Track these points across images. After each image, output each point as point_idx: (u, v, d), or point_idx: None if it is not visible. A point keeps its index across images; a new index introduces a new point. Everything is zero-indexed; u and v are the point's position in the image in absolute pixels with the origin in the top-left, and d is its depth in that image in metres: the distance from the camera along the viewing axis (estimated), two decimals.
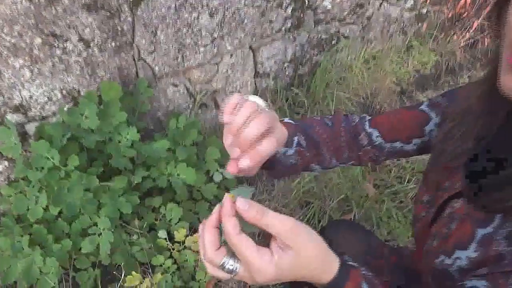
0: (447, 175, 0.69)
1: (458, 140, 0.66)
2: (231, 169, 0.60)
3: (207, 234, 0.55)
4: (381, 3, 2.66)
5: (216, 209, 0.56)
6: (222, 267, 0.54)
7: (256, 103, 0.59)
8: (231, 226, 0.51)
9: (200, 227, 0.57)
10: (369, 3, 2.55)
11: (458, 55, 3.15)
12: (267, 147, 0.57)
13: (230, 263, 0.54)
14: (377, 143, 0.85)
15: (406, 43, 3.03)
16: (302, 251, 0.52)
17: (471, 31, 3.11)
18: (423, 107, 0.83)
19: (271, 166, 0.75)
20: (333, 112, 2.20)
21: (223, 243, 0.55)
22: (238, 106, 0.57)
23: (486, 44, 3.22)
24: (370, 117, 0.88)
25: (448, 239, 0.63)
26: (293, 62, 2.28)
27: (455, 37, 3.16)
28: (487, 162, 0.62)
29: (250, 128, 0.56)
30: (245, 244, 0.51)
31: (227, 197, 0.55)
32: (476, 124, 0.63)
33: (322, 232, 0.99)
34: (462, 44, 3.15)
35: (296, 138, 0.77)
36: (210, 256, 0.54)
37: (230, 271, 0.55)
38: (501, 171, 0.58)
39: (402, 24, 2.95)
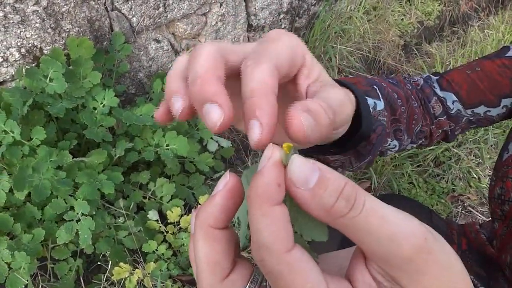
0: None
1: None
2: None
3: (202, 243, 0.25)
4: None
5: (224, 180, 0.25)
6: None
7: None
8: (276, 229, 0.22)
9: (192, 221, 0.26)
10: None
11: (462, 4, 2.92)
12: (260, 75, 0.26)
13: None
14: (454, 110, 0.63)
15: None
16: None
17: None
18: (511, 53, 0.61)
19: (362, 133, 0.44)
20: (337, 69, 1.98)
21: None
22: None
23: None
24: (438, 76, 0.65)
25: None
26: (290, 13, 2.03)
27: None
28: None
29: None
30: (302, 273, 0.22)
31: (273, 151, 0.23)
32: None
33: None
34: None
35: (376, 88, 0.53)
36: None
37: None
38: None
39: None
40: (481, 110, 0.63)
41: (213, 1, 1.63)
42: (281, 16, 2.00)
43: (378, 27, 2.43)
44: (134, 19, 1.41)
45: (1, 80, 1.21)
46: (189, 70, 0.26)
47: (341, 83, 0.46)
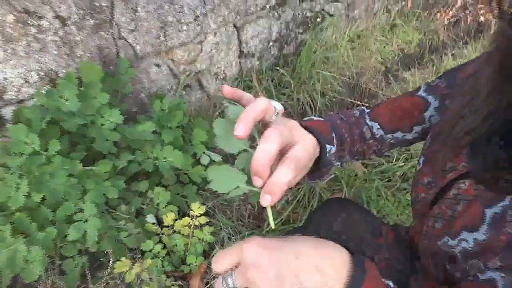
0: (451, 156, 0.67)
1: (466, 120, 0.63)
2: (264, 202, 0.52)
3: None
4: None
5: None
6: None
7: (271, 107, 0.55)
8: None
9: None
10: None
11: (441, 34, 3.15)
12: (281, 179, 0.50)
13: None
14: (378, 135, 0.83)
15: (390, 21, 3.01)
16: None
17: (454, 8, 3.11)
18: (421, 92, 0.81)
19: (318, 167, 0.68)
20: (319, 93, 2.18)
21: None
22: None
23: (468, 22, 3.23)
24: (369, 110, 0.85)
25: (455, 221, 0.61)
26: (278, 41, 2.23)
27: (438, 15, 3.16)
28: (496, 142, 0.59)
29: (255, 157, 0.50)
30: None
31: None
32: (485, 104, 0.59)
33: (314, 214, 0.96)
34: (445, 22, 3.15)
35: (333, 135, 0.73)
36: None
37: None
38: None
39: (386, 2, 2.92)
40: (398, 135, 0.82)
41: (208, 31, 1.83)
42: (271, 43, 2.20)
43: (361, 54, 2.64)
44: (138, 46, 1.61)
45: (22, 99, 1.39)
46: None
47: (312, 128, 0.66)
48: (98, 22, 1.44)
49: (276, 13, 2.11)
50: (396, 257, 0.88)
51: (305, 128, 0.66)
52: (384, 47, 2.88)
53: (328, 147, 0.70)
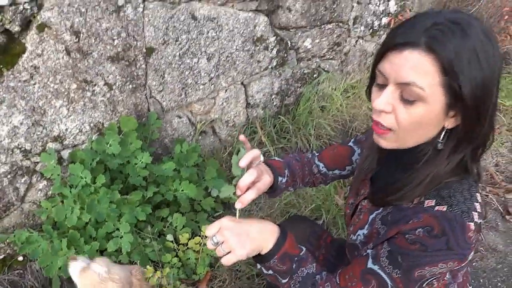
0: (363, 185, 1.05)
1: (369, 163, 1.02)
2: (237, 205, 0.91)
3: None
4: (357, 40, 3.06)
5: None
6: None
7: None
8: None
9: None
10: (345, 41, 2.96)
11: None
12: (248, 197, 0.91)
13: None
14: (323, 172, 1.22)
15: None
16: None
17: None
18: (351, 143, 1.20)
19: (273, 190, 1.09)
20: (313, 137, 2.57)
21: None
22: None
23: None
24: (318, 153, 1.24)
25: (356, 225, 0.99)
26: (280, 94, 2.66)
27: None
28: (381, 177, 0.99)
29: (241, 180, 0.91)
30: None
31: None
32: (376, 155, 1.00)
33: (282, 223, 1.35)
34: None
35: (286, 171, 1.13)
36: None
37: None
38: (384, 183, 0.94)
39: None
40: (337, 172, 1.21)
41: (220, 88, 2.28)
42: (273, 96, 2.63)
43: (354, 103, 3.04)
44: (164, 103, 2.06)
45: (76, 144, 1.84)
46: None
47: (272, 166, 1.06)
48: (135, 86, 1.90)
49: (277, 72, 2.55)
50: (330, 253, 1.25)
51: (268, 164, 1.06)
52: None
53: (280, 178, 1.09)
